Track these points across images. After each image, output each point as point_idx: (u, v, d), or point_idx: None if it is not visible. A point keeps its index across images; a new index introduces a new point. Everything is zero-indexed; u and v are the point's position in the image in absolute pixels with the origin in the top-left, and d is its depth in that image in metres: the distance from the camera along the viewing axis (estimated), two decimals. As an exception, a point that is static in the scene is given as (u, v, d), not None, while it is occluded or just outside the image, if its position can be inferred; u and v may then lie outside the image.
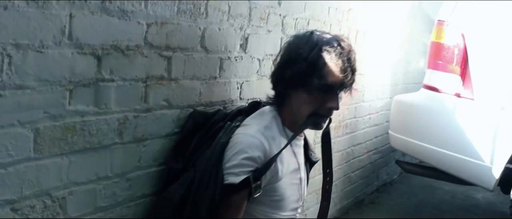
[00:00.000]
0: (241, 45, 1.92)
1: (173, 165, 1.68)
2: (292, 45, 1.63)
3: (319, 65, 1.54)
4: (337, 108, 1.60)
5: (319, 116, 1.63)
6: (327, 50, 1.55)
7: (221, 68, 1.84)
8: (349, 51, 1.59)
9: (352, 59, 1.59)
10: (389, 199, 4.26)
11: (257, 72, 2.07)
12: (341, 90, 1.60)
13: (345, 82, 1.58)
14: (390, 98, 3.97)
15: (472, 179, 3.12)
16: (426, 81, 3.28)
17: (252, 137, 1.58)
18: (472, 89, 2.98)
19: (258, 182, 1.54)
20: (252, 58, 2.01)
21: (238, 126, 1.64)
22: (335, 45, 1.56)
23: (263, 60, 2.09)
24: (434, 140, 3.20)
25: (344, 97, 1.65)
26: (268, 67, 2.12)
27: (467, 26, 3.05)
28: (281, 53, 1.67)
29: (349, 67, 1.57)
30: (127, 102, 1.49)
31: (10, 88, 1.17)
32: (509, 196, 3.02)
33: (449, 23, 3.13)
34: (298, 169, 1.75)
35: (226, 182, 1.52)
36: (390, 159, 4.59)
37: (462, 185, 3.49)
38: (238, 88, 1.96)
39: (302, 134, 1.79)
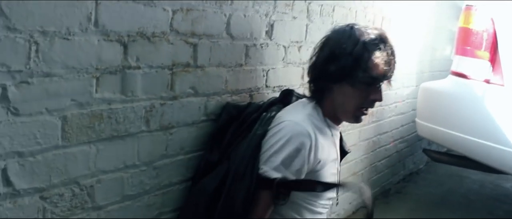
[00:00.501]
0: (266, 32, 1.90)
1: (209, 157, 1.69)
2: (333, 40, 1.64)
3: (364, 59, 1.56)
4: (380, 99, 1.65)
5: (361, 110, 1.64)
6: (371, 44, 1.57)
7: (247, 55, 1.81)
8: (390, 43, 1.62)
9: (394, 51, 1.63)
10: (415, 189, 4.20)
11: (283, 59, 2.04)
12: (383, 82, 1.62)
13: (388, 74, 1.61)
14: (416, 86, 3.91)
15: (502, 166, 3.06)
16: (454, 68, 3.21)
17: (298, 125, 1.57)
18: (502, 75, 2.91)
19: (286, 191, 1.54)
20: (277, 46, 1.98)
21: (273, 117, 1.65)
22: (378, 39, 1.59)
23: (288, 47, 2.06)
24: (462, 128, 3.14)
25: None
26: (294, 55, 2.10)
27: (497, 11, 2.97)
28: (320, 48, 1.67)
29: (393, 59, 1.61)
30: (154, 90, 1.47)
31: (37, 76, 1.17)
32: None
33: (477, 7, 3.06)
34: (336, 159, 1.77)
35: (264, 173, 1.52)
36: (417, 148, 4.53)
37: (491, 173, 3.42)
38: (264, 75, 1.93)
39: (339, 125, 1.78)
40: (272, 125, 1.62)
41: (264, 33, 1.89)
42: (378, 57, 1.57)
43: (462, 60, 3.14)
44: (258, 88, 1.90)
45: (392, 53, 1.62)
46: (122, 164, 1.43)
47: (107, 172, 1.39)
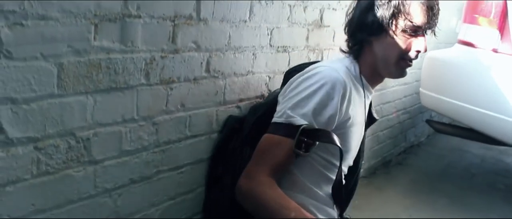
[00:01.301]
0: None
1: (213, 171, 1.70)
2: None
3: (406, 6, 1.49)
4: (424, 50, 1.55)
5: (405, 61, 1.56)
6: None
7: (251, 11, 1.74)
8: None
9: None
10: (416, 161, 4.17)
11: (288, 19, 1.97)
12: (427, 31, 1.54)
13: (431, 23, 1.53)
14: (420, 57, 3.84)
15: (506, 138, 3.02)
16: (461, 37, 3.15)
17: (335, 72, 1.48)
18: (511, 44, 2.85)
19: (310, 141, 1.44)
20: (283, 4, 1.91)
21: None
22: None
23: (294, 6, 1.98)
24: (468, 98, 3.09)
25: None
26: (299, 15, 2.03)
27: (507, -22, 2.90)
28: (356, 1, 1.60)
29: (436, 6, 1.53)
30: (154, 41, 1.41)
31: (32, 18, 1.10)
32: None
33: (488, -26, 2.99)
34: (363, 122, 1.68)
35: (289, 119, 1.43)
36: (418, 120, 4.49)
37: (495, 145, 3.38)
38: (268, 34, 1.87)
39: (374, 88, 1.70)
40: (300, 74, 1.53)
41: (270, -11, 1.82)
42: (421, 3, 1.49)
43: (470, 29, 3.08)
44: (262, 46, 1.84)
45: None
46: (120, 118, 1.38)
47: (104, 125, 1.34)
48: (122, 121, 1.39)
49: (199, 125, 1.65)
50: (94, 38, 1.24)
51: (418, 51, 1.54)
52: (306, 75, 1.49)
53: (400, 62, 1.55)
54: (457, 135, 3.51)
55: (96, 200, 1.38)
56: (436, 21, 1.55)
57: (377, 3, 1.51)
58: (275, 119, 1.48)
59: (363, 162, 1.84)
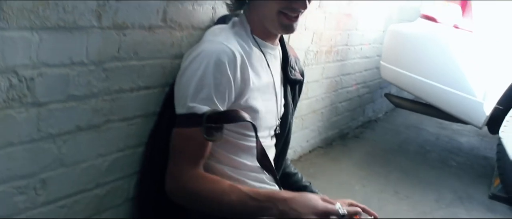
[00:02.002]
0: None
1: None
2: None
3: None
4: (303, 7, 1.49)
5: (286, 15, 1.49)
6: None
7: (213, -38, 1.68)
8: None
9: None
10: (373, 135, 4.22)
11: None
12: None
13: None
14: (383, 31, 3.85)
15: (462, 115, 3.07)
16: (424, 11, 3.16)
17: (218, 44, 1.43)
18: (472, 21, 2.87)
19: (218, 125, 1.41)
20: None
21: None
22: None
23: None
24: (427, 72, 3.12)
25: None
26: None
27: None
28: None
29: None
30: (108, -19, 1.34)
31: None
32: (493, 140, 2.97)
33: (453, -50, 2.99)
34: (273, 82, 1.63)
35: (191, 110, 1.39)
36: (378, 96, 4.53)
37: (451, 121, 3.43)
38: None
39: (277, 44, 1.66)
40: (187, 55, 1.49)
41: None
42: None
43: (433, 4, 3.09)
44: (223, 3, 1.78)
45: None
46: (68, 60, 1.30)
47: (50, 66, 1.26)
48: (70, 63, 1.31)
49: (152, 76, 1.59)
50: (42, -30, 1.16)
51: (295, 8, 1.48)
52: (192, 55, 1.43)
53: (281, 16, 1.50)
54: (415, 109, 3.55)
55: (39, 144, 1.31)
56: None
57: None
58: (178, 110, 1.43)
59: (291, 121, 1.80)
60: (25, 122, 1.26)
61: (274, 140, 1.73)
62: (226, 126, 1.45)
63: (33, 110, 1.27)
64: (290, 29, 1.54)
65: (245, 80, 1.47)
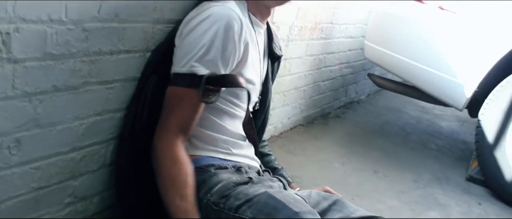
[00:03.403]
0: None
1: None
2: None
3: None
4: None
5: None
6: None
7: None
8: None
9: None
10: (355, 116, 4.23)
11: None
12: None
13: None
14: (369, 12, 3.84)
15: (443, 96, 3.08)
16: (411, -9, 3.15)
17: (228, 9, 1.45)
18: (456, 3, 2.87)
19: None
20: None
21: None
22: None
23: None
24: (410, 53, 3.13)
25: None
26: None
27: None
28: None
29: None
30: None
31: None
32: (473, 125, 3.00)
33: None
34: (259, 60, 1.67)
35: (192, 70, 1.41)
36: (361, 77, 4.53)
37: (432, 103, 3.45)
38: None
39: (264, 24, 1.69)
40: (194, 12, 1.50)
41: None
42: None
43: (420, -16, 3.08)
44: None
45: None
46: (46, 16, 1.26)
47: (27, 21, 1.22)
48: (48, 20, 1.27)
49: (133, 40, 1.55)
50: None
51: None
52: (202, 15, 1.44)
53: None
54: (397, 90, 3.56)
55: (13, 102, 1.28)
56: None
57: None
58: (177, 69, 1.44)
59: (270, 97, 1.85)
60: (0, 78, 1.22)
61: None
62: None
63: (9, 66, 1.23)
64: None
65: (245, 50, 1.51)
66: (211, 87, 1.42)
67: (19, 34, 1.22)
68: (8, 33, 1.20)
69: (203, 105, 1.47)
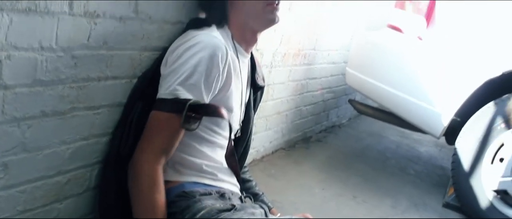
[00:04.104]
0: None
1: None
2: None
3: None
4: None
5: (271, 4, 1.61)
6: None
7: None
8: None
9: None
10: (336, 140, 4.28)
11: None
12: None
13: None
14: (351, 38, 3.92)
15: (421, 124, 3.15)
16: (391, 21, 3.24)
17: (215, 38, 1.52)
18: (435, 34, 2.96)
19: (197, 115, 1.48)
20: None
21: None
22: None
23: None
24: (390, 81, 3.20)
25: None
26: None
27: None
28: None
29: None
30: (82, -31, 1.34)
31: None
32: (451, 150, 3.07)
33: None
34: (241, 89, 1.72)
35: (176, 94, 1.45)
36: (342, 101, 4.60)
37: (411, 130, 3.52)
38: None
39: (249, 53, 1.75)
40: (180, 41, 1.55)
41: None
42: None
43: (400, 14, 3.16)
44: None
45: None
46: (37, 44, 1.30)
47: (19, 49, 1.26)
48: (39, 48, 1.31)
49: (121, 66, 1.60)
50: (16, -47, 1.17)
51: None
52: (188, 44, 1.50)
53: (267, 7, 1.61)
54: (377, 117, 3.62)
55: (2, 127, 1.31)
56: None
57: None
58: (162, 94, 1.49)
59: (252, 125, 1.90)
60: (-10, 103, 1.25)
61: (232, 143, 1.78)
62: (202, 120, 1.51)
63: (-1, 92, 1.27)
64: (275, 19, 1.64)
65: (228, 78, 1.56)
66: (193, 114, 1.46)
67: (10, 61, 1.26)
68: (0, 61, 1.23)
69: (183, 131, 1.51)
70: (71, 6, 1.35)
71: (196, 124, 1.49)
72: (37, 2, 1.26)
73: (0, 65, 1.24)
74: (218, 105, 1.53)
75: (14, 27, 1.23)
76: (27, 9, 1.24)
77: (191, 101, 1.44)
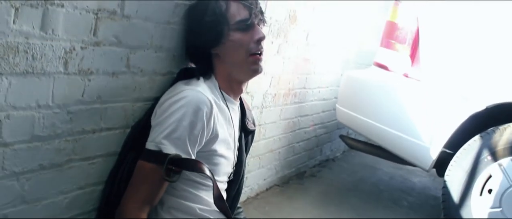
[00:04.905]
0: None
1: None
2: (191, 15, 1.78)
3: (227, 10, 1.68)
4: (263, 36, 1.72)
5: (254, 55, 1.71)
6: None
7: (174, 13, 1.79)
8: None
9: None
10: (330, 174, 4.34)
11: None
12: (257, 21, 1.72)
13: (256, 13, 1.71)
14: (341, 74, 4.02)
15: (410, 158, 3.22)
16: (377, 59, 3.35)
17: (200, 93, 1.59)
18: (420, 71, 3.06)
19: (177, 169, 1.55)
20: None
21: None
22: None
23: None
24: (378, 117, 3.28)
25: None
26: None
27: (423, 9, 3.12)
28: (186, 30, 1.80)
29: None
30: (76, 31, 1.43)
31: (-49, -4, 1.12)
32: (443, 180, 3.12)
33: (405, 4, 3.19)
34: (233, 134, 1.79)
35: (160, 145, 1.53)
36: (335, 135, 4.66)
37: (401, 164, 3.59)
38: (191, 37, 1.92)
39: (238, 100, 1.84)
40: (168, 95, 1.63)
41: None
42: (236, 2, 1.69)
43: (385, 53, 3.27)
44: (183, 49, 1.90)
45: None
46: (34, 103, 1.39)
47: (17, 109, 1.35)
48: (36, 106, 1.40)
49: (114, 118, 1.68)
50: (14, 21, 1.26)
51: (259, 40, 1.71)
52: (174, 98, 1.58)
53: (250, 58, 1.71)
54: (368, 151, 3.69)
55: (2, 182, 1.38)
56: (259, 10, 1.73)
57: (201, 22, 1.70)
58: (148, 145, 1.57)
59: (245, 168, 1.97)
60: (-10, 160, 1.33)
61: (226, 185, 1.85)
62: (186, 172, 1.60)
63: (-1, 149, 1.35)
64: (258, 70, 1.75)
65: (215, 130, 1.63)
66: (173, 168, 1.53)
67: (9, 120, 1.34)
68: (0, 121, 1.31)
69: (166, 182, 1.59)
70: (66, 66, 1.44)
71: (177, 177, 1.56)
72: (34, 64, 1.35)
73: (0, 124, 1.32)
74: (199, 161, 1.59)
75: (13, 89, 1.32)
76: (25, 72, 1.33)
77: (171, 155, 1.51)
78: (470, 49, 2.95)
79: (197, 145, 1.59)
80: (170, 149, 1.52)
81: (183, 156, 1.55)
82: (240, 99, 1.89)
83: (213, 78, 1.74)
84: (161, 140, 1.53)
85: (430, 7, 3.12)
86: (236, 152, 1.86)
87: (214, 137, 1.64)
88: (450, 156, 3.12)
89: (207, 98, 1.59)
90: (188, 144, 1.55)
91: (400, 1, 3.21)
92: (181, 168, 1.55)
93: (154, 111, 1.64)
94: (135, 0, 1.60)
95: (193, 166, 1.57)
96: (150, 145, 1.56)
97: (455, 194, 3.05)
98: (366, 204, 3.72)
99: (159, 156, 1.52)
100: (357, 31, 4.24)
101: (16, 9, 1.25)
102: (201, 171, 1.56)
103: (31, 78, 1.36)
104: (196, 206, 1.70)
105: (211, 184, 1.70)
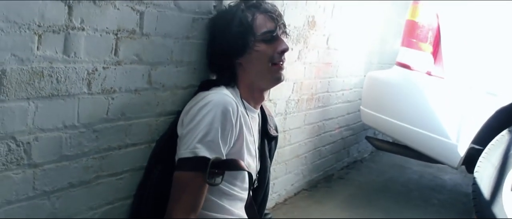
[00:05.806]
0: (214, 6, 1.92)
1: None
2: (217, 25, 1.83)
3: (253, 21, 1.72)
4: (286, 48, 1.77)
5: (276, 65, 1.75)
6: (248, 9, 1.75)
7: (193, 27, 1.83)
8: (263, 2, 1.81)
9: (270, 5, 1.81)
10: (358, 176, 4.32)
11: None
12: (281, 32, 1.77)
13: (280, 25, 1.76)
14: (364, 76, 4.01)
15: (438, 156, 3.20)
16: (399, 59, 3.34)
17: (226, 96, 1.64)
18: (443, 68, 3.04)
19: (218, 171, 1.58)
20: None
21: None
22: (252, 4, 1.78)
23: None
24: (403, 117, 3.27)
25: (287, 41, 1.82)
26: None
27: (442, 7, 3.10)
28: (210, 40, 1.85)
29: (275, 11, 1.79)
30: (97, 53, 1.49)
31: (-23, 27, 1.17)
32: (473, 177, 3.09)
33: (424, 2, 3.18)
34: (253, 142, 1.82)
35: (197, 152, 1.55)
36: (361, 137, 4.65)
37: (429, 163, 3.56)
38: (210, 50, 1.96)
39: (258, 109, 1.87)
40: (192, 103, 1.67)
41: (212, 6, 1.91)
42: (263, 14, 1.74)
43: (407, 52, 3.27)
44: (205, 61, 1.93)
45: (272, 7, 1.79)
46: (61, 124, 1.44)
47: (45, 131, 1.40)
48: (63, 127, 1.45)
49: (139, 133, 1.73)
50: (37, 48, 1.31)
51: (283, 51, 1.75)
52: (200, 104, 1.62)
53: (272, 67, 1.75)
54: (395, 151, 3.68)
55: (34, 201, 1.44)
56: (282, 22, 1.79)
57: (228, 32, 1.74)
58: (182, 154, 1.58)
59: (269, 174, 1.99)
60: (22, 182, 1.39)
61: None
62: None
63: (29, 170, 1.40)
64: (281, 78, 1.79)
65: (240, 133, 1.67)
66: (216, 170, 1.56)
67: (38, 142, 1.40)
68: (28, 143, 1.37)
69: (207, 186, 1.60)
70: (89, 86, 1.49)
71: (220, 179, 1.58)
72: (58, 87, 1.40)
73: (29, 147, 1.38)
74: (237, 159, 1.63)
75: (40, 112, 1.37)
76: (51, 95, 1.38)
77: (213, 158, 1.54)
78: (492, 44, 2.92)
79: (227, 146, 1.62)
80: (205, 153, 1.55)
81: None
82: (261, 107, 1.92)
83: (235, 87, 1.77)
84: (196, 144, 1.55)
85: (449, 4, 3.10)
86: (258, 159, 1.89)
87: (240, 138, 1.67)
88: (479, 152, 3.09)
89: (233, 100, 1.63)
90: (221, 145, 1.58)
91: (419, 0, 3.20)
92: (223, 169, 1.58)
93: (180, 120, 1.67)
94: (153, 18, 1.64)
95: (234, 165, 1.61)
96: (184, 153, 1.57)
97: (486, 190, 3.02)
98: (396, 205, 3.70)
99: (196, 162, 1.54)
100: (377, 32, 4.24)
101: (39, 36, 1.30)
102: (242, 168, 1.60)
103: (56, 100, 1.41)
104: (221, 216, 1.72)
105: (235, 193, 1.73)
